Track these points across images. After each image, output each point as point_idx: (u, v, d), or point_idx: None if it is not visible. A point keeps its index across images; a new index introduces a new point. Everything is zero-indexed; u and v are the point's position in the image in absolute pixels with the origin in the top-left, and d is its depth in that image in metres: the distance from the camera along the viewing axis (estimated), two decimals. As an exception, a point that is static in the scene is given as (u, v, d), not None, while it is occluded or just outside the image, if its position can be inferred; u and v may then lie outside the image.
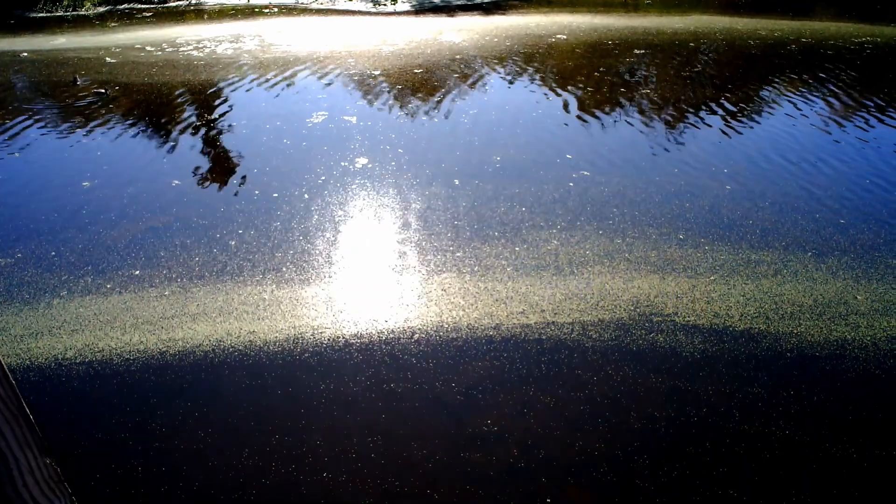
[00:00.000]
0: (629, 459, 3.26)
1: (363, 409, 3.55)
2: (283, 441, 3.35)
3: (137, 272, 4.69)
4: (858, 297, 4.52)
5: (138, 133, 7.40)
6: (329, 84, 9.22)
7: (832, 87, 9.38)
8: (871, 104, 8.68)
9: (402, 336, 4.10)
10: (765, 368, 3.88)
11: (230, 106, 8.31)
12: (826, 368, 3.89)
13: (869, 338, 4.13)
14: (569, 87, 9.18)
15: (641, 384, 3.75)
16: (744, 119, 8.07)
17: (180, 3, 15.31)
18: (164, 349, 3.96)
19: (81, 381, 3.71)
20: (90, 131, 7.41)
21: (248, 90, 8.92)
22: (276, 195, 5.85)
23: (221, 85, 9.15)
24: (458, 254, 4.98)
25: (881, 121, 8.07)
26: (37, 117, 7.89)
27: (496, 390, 3.69)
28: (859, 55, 11.14)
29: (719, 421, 3.51)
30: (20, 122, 7.70)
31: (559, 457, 3.27)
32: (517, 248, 5.04)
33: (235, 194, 5.93)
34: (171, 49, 10.96)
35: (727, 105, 8.58)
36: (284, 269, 4.75)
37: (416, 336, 4.10)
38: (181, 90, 8.86)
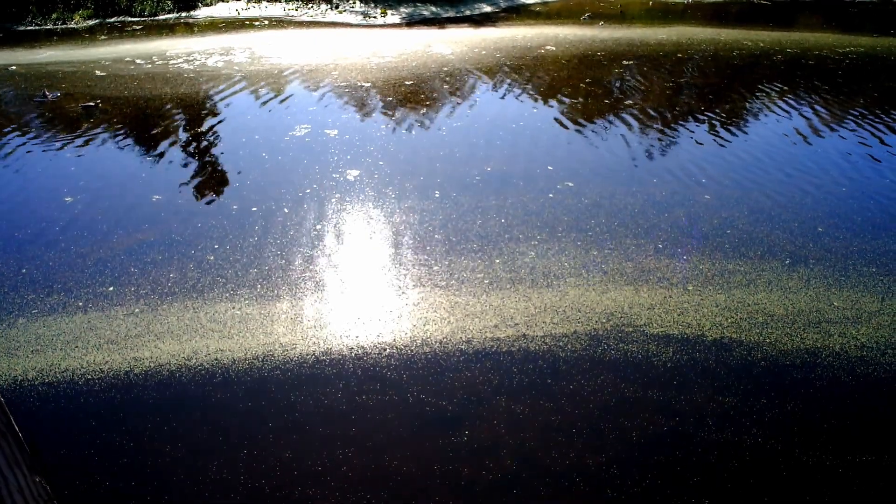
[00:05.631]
0: (600, 469, 3.28)
1: (333, 422, 3.55)
2: (252, 455, 3.35)
3: (111, 289, 4.69)
4: (835, 303, 4.56)
5: (125, 147, 7.42)
6: (317, 96, 9.26)
7: (813, 98, 9.48)
8: (851, 114, 8.77)
9: (372, 350, 4.11)
10: (737, 377, 3.90)
11: (217, 119, 8.34)
12: (798, 376, 3.92)
13: (840, 346, 4.16)
14: (554, 99, 9.25)
15: (613, 394, 3.77)
16: (725, 130, 8.14)
17: (170, 16, 15.38)
18: (129, 368, 3.94)
19: (44, 402, 3.70)
20: (77, 146, 7.42)
21: (235, 103, 8.96)
22: (254, 209, 5.87)
23: (210, 98, 9.18)
24: (435, 268, 5.00)
25: (861, 130, 8.15)
26: (24, 131, 7.90)
27: (467, 402, 3.70)
28: (840, 65, 11.27)
29: (691, 429, 3.53)
30: (7, 137, 7.71)
31: (531, 467, 3.28)
32: (496, 261, 5.07)
33: (213, 209, 5.94)
34: (160, 62, 11.00)
35: (709, 116, 8.66)
36: (258, 285, 4.76)
37: (388, 350, 4.11)
38: (169, 104, 8.89)
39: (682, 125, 8.29)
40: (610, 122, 8.33)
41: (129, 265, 4.97)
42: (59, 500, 1.96)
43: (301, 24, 14.79)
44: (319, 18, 15.41)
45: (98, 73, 10.29)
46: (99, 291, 4.65)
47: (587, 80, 10.14)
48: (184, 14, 15.60)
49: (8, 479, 1.73)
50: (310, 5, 16.57)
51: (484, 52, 11.92)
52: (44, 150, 7.30)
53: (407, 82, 9.95)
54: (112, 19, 14.87)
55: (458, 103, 9.07)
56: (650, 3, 17.75)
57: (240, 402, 3.69)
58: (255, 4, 16.68)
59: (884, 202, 6.16)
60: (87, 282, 4.76)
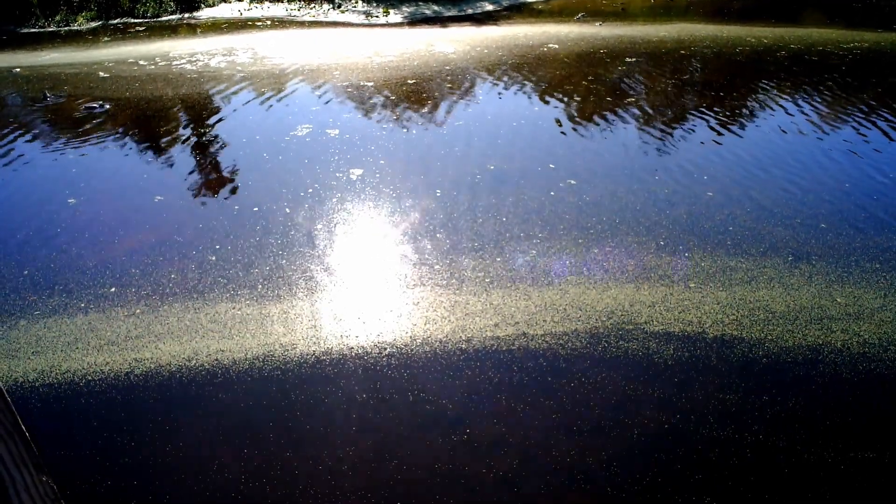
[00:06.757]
0: (601, 467, 3.27)
1: (333, 422, 3.56)
2: (252, 454, 3.36)
3: (112, 290, 4.71)
4: (837, 300, 4.53)
5: (128, 148, 7.45)
6: (319, 96, 9.28)
7: (816, 94, 9.43)
8: (855, 110, 8.73)
9: (373, 350, 4.11)
10: (738, 374, 3.89)
11: (219, 120, 8.36)
12: (800, 373, 3.90)
13: (842, 342, 4.15)
14: (556, 97, 9.24)
15: (614, 392, 3.77)
16: (728, 126, 8.11)
17: (173, 17, 15.42)
18: (130, 369, 3.95)
19: (45, 403, 3.71)
20: (80, 147, 7.46)
21: (238, 103, 8.98)
22: (255, 209, 5.89)
23: (212, 99, 9.21)
24: (436, 266, 5.00)
25: (864, 126, 8.10)
26: (26, 133, 7.94)
27: (468, 401, 3.70)
28: (844, 61, 11.20)
29: (692, 426, 3.52)
30: (9, 138, 7.75)
31: (532, 465, 3.28)
32: (497, 259, 5.06)
33: (215, 209, 5.96)
34: (163, 63, 11.03)
35: (712, 113, 8.63)
36: (259, 285, 4.77)
37: (388, 349, 4.12)
38: (172, 104, 8.92)
39: (684, 122, 8.27)
40: (612, 120, 8.31)
41: (131, 266, 4.99)
42: (64, 500, 1.96)
43: (303, 24, 14.81)
44: (322, 18, 15.42)
45: (101, 74, 10.34)
46: (100, 293, 4.67)
47: (589, 78, 10.12)
48: (186, 15, 15.64)
49: (15, 479, 1.74)
50: (312, 5, 16.58)
51: (486, 51, 11.90)
52: (46, 152, 7.34)
53: (409, 81, 9.95)
54: (115, 21, 14.92)
55: (460, 102, 9.06)
56: (651, 0, 17.69)
57: (240, 402, 3.70)
58: (258, 5, 16.71)
59: (887, 198, 6.13)
60: (88, 283, 4.78)
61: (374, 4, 16.53)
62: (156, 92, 9.41)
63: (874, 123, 8.18)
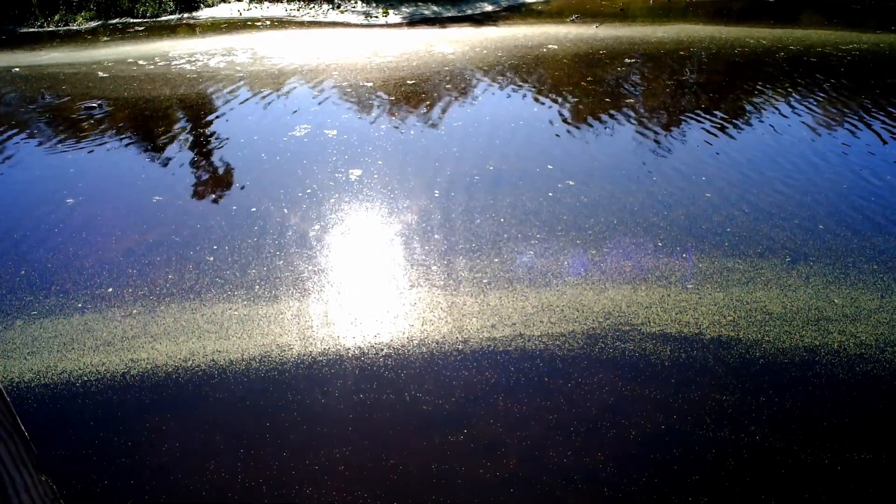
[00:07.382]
0: (598, 468, 3.27)
1: (331, 422, 3.56)
2: (249, 455, 3.35)
3: (109, 290, 4.71)
4: (834, 301, 4.54)
5: (126, 148, 7.45)
6: (318, 96, 9.28)
7: (815, 95, 9.44)
8: (853, 111, 8.73)
9: (370, 351, 4.11)
10: (735, 375, 3.89)
11: (218, 120, 8.36)
12: (796, 374, 3.90)
13: (839, 343, 4.15)
14: (555, 97, 9.24)
15: (611, 393, 3.77)
16: (726, 127, 8.11)
17: (172, 17, 15.42)
18: (126, 369, 3.95)
19: (40, 404, 3.71)
20: (78, 147, 7.45)
21: (236, 103, 8.98)
22: (253, 209, 5.88)
23: (210, 99, 9.21)
24: (433, 267, 5.00)
25: (862, 127, 8.11)
26: (25, 133, 7.93)
27: (465, 402, 3.70)
28: (842, 62, 11.22)
29: (689, 428, 3.52)
30: (7, 138, 7.75)
31: (529, 466, 3.28)
32: (494, 260, 5.06)
33: (213, 210, 5.96)
34: (163, 63, 11.03)
35: (710, 114, 8.63)
36: (256, 286, 4.77)
37: (385, 350, 4.11)
38: (171, 104, 8.92)
39: (682, 123, 8.27)
40: (610, 121, 8.31)
41: (128, 266, 4.99)
42: (62, 500, 1.97)
43: (303, 24, 14.81)
44: (321, 18, 15.43)
45: (100, 74, 10.33)
46: (97, 293, 4.67)
47: (588, 79, 10.13)
48: (186, 15, 15.64)
49: (14, 479, 1.74)
50: (311, 5, 16.59)
51: (485, 52, 11.90)
52: (44, 152, 7.33)
53: (408, 82, 9.95)
54: (114, 21, 14.92)
55: (459, 103, 9.06)
56: (651, 1, 17.71)
57: (237, 403, 3.70)
58: (257, 5, 16.72)
59: (885, 200, 6.13)
60: (85, 283, 4.78)
61: (374, 5, 16.54)
62: (154, 92, 9.40)
63: (873, 125, 8.18)
